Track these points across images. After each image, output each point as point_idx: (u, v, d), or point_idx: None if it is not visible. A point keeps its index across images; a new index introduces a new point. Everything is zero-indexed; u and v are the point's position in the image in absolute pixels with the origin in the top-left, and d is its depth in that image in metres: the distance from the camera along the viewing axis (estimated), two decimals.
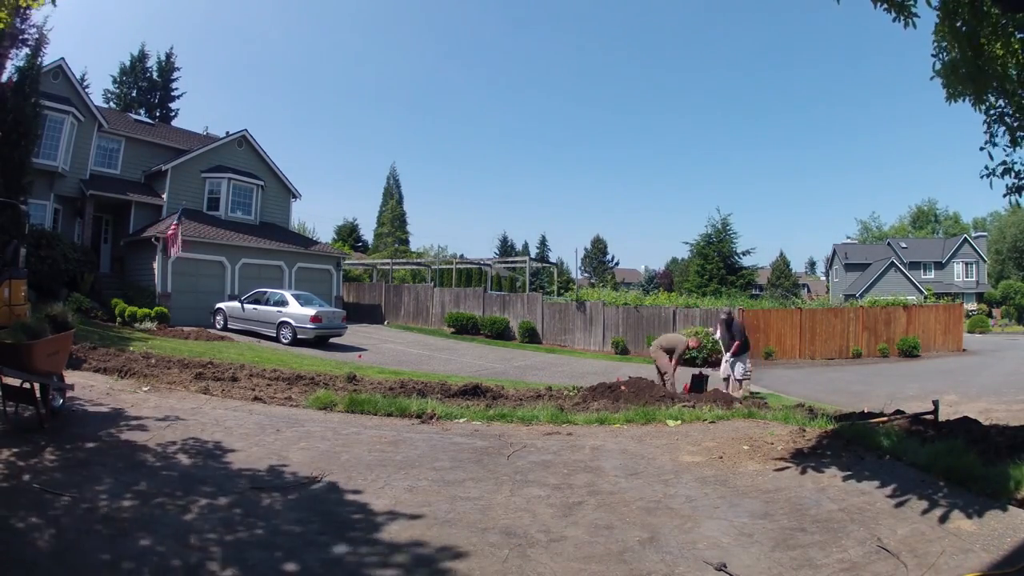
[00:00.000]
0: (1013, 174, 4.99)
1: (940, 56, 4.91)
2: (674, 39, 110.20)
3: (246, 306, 18.01)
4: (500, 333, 22.70)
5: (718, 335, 11.89)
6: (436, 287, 27.17)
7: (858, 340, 20.96)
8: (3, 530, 3.06)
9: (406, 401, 6.75)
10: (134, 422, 5.42)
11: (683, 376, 11.66)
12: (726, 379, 11.34)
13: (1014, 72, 4.81)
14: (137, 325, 16.42)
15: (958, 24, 4.65)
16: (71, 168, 19.98)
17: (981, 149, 5.02)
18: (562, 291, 29.14)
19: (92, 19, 71.49)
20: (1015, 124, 4.93)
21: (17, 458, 4.18)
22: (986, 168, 5.02)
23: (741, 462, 4.89)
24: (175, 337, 15.15)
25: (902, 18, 4.72)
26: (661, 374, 10.82)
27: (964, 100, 4.96)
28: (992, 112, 4.96)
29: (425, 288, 26.95)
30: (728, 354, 11.27)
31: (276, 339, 16.99)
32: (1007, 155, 5.00)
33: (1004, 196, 5.06)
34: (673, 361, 10.77)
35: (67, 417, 5.44)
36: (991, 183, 5.03)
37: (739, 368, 11.15)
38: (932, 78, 4.95)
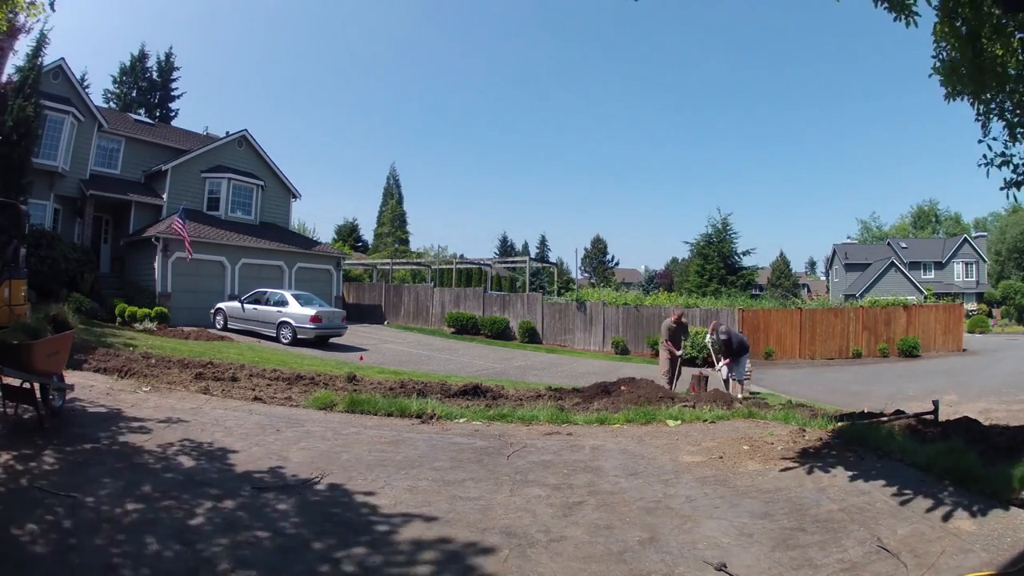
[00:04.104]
0: (1011, 167, 4.99)
1: (939, 55, 4.91)
2: (673, 38, 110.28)
3: (246, 306, 18.01)
4: (500, 333, 22.70)
5: (709, 340, 11.90)
6: (436, 287, 27.17)
7: (858, 340, 20.97)
8: (3, 531, 3.06)
9: (406, 401, 6.74)
10: (134, 422, 5.42)
11: (684, 376, 11.65)
12: (726, 380, 11.32)
13: (1013, 71, 4.81)
14: (137, 325, 16.41)
15: (958, 24, 4.65)
16: (71, 168, 19.99)
17: (980, 142, 5.02)
18: (562, 291, 29.11)
19: (92, 19, 71.54)
20: (1015, 120, 4.93)
21: (17, 459, 4.18)
22: (984, 157, 5.01)
23: (741, 462, 4.89)
24: (175, 337, 15.14)
25: (903, 17, 4.73)
26: (666, 375, 10.84)
27: (962, 99, 4.96)
28: (992, 107, 4.95)
29: (425, 288, 26.94)
30: (723, 363, 11.27)
31: (276, 339, 16.99)
32: (1006, 148, 5.01)
33: (1001, 189, 5.05)
34: (667, 347, 10.87)
35: (67, 417, 5.43)
36: (988, 172, 5.03)
37: (741, 369, 11.18)
38: (930, 75, 4.95)
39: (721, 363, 11.31)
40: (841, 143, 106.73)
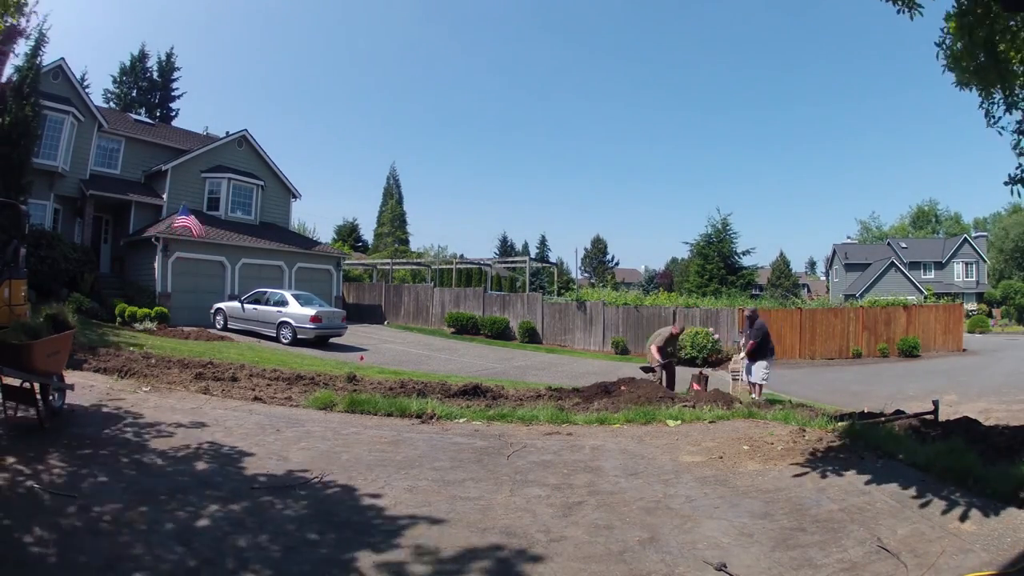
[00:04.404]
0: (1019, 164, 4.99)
1: (944, 47, 4.90)
2: (673, 38, 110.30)
3: (246, 306, 18.02)
4: (500, 333, 22.69)
5: (741, 341, 11.36)
6: (436, 287, 27.17)
7: (858, 340, 20.96)
8: (3, 532, 3.06)
9: (406, 401, 6.74)
10: (134, 422, 5.42)
11: (684, 376, 11.64)
12: (735, 379, 11.09)
13: (1019, 68, 4.82)
14: (137, 325, 16.41)
15: (966, 20, 4.65)
16: (71, 168, 19.99)
17: (989, 126, 5.02)
18: (562, 291, 29.10)
19: (92, 19, 71.54)
20: None
21: (17, 459, 4.18)
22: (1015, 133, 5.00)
23: (741, 462, 4.89)
24: (175, 337, 15.14)
25: (907, 10, 4.72)
26: (654, 372, 10.80)
27: (971, 89, 4.96)
28: (1006, 100, 4.94)
29: (425, 288, 26.95)
30: (741, 353, 11.05)
31: (276, 339, 16.99)
32: (1015, 143, 5.02)
33: (1006, 184, 5.06)
34: (655, 352, 10.75)
35: (67, 417, 5.44)
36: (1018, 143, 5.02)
37: (757, 372, 10.41)
38: (937, 58, 4.93)
39: (740, 355, 10.79)
40: (841, 143, 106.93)
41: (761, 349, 10.45)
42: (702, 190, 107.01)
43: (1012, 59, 4.71)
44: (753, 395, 10.33)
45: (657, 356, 10.83)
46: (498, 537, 3.32)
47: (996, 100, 4.94)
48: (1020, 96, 4.93)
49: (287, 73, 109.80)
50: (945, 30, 4.87)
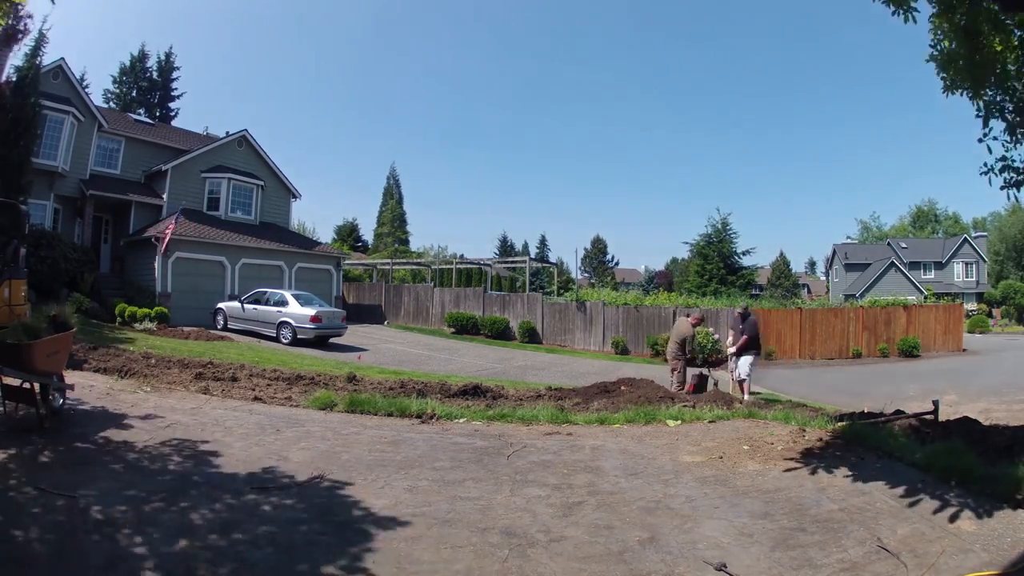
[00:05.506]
0: (1011, 171, 4.99)
1: (937, 47, 4.89)
2: (673, 38, 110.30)
3: (246, 306, 18.02)
4: (500, 333, 22.69)
5: (729, 338, 11.47)
6: (436, 287, 27.17)
7: (858, 340, 20.96)
8: (3, 531, 3.06)
9: (406, 401, 6.75)
10: (134, 422, 5.42)
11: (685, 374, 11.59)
12: (740, 381, 11.08)
13: (1012, 68, 4.80)
14: (137, 325, 16.41)
15: (956, 18, 4.64)
16: (71, 168, 19.97)
17: (980, 141, 5.01)
18: (562, 291, 29.11)
19: (92, 19, 71.53)
20: (1014, 119, 4.92)
21: (17, 459, 4.18)
22: (985, 165, 5.02)
23: (741, 462, 4.89)
24: (175, 337, 15.14)
25: (901, 11, 4.71)
26: (674, 374, 10.61)
27: (962, 93, 4.95)
28: (992, 106, 4.93)
29: (425, 288, 26.95)
30: (732, 349, 11.05)
31: (276, 339, 16.99)
32: (1006, 150, 5.01)
33: (1002, 188, 5.06)
34: (683, 355, 10.65)
35: (67, 417, 5.44)
36: (990, 180, 5.03)
37: (743, 367, 10.61)
38: (927, 61, 4.93)
39: (730, 350, 10.98)
40: (841, 143, 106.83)
41: (752, 343, 10.77)
42: (702, 190, 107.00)
43: (1007, 59, 4.68)
44: (744, 395, 10.24)
45: (678, 358, 10.74)
46: (498, 537, 3.32)
47: (989, 106, 4.91)
48: (1008, 104, 4.90)
49: (287, 73, 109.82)
50: (932, 32, 4.85)
